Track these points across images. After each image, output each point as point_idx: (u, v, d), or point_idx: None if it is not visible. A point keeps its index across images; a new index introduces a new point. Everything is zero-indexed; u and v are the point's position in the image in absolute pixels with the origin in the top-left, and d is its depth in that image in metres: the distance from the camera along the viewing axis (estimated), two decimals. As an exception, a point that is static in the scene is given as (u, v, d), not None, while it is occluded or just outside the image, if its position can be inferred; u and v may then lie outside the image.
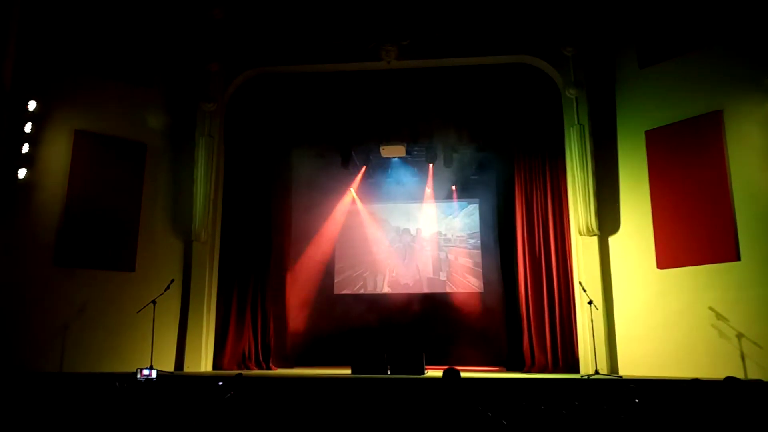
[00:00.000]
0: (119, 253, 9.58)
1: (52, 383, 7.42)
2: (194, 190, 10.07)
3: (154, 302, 8.90)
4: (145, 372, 7.49)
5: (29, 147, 8.95)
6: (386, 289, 12.54)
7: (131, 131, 9.96)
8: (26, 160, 8.91)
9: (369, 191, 12.66)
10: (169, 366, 9.57)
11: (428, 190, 12.42)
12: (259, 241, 10.89)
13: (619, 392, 5.86)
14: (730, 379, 4.43)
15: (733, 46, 8.57)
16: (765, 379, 7.14)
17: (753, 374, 7.71)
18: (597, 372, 8.62)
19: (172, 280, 9.42)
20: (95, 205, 9.45)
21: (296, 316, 11.77)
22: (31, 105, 8.97)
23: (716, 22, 8.75)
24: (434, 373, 8.96)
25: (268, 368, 10.42)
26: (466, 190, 12.53)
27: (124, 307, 9.27)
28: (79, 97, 9.57)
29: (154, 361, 8.66)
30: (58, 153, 9.30)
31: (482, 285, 12.18)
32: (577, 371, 9.30)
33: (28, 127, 8.93)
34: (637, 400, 4.47)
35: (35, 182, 9.04)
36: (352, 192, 12.72)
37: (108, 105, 9.80)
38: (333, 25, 10.34)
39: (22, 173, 8.83)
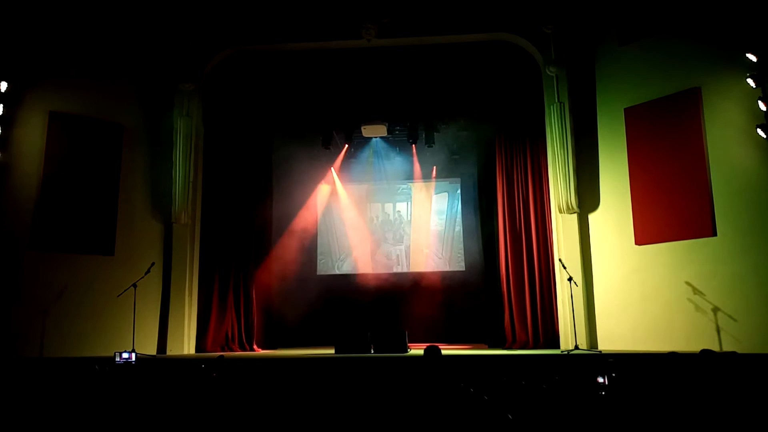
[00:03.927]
0: (97, 237, 9.46)
1: (31, 368, 7.38)
2: (173, 171, 9.95)
3: (134, 286, 8.84)
4: (125, 355, 7.44)
5: (2, 129, 8.75)
6: (369, 269, 12.55)
7: (107, 112, 9.78)
8: (-1, 143, 8.74)
9: (351, 171, 12.62)
10: (151, 349, 9.52)
11: (410, 169, 12.40)
12: (241, 222, 10.82)
13: (599, 366, 5.96)
14: (705, 352, 4.52)
15: (712, 24, 8.60)
16: (739, 351, 7.30)
17: (728, 346, 7.90)
18: (576, 347, 8.75)
19: (153, 263, 9.34)
20: (72, 188, 9.29)
21: (279, 297, 11.76)
22: (3, 86, 8.75)
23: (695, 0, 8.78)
24: (417, 351, 9.03)
25: (252, 350, 10.43)
26: (447, 169, 12.54)
27: (105, 291, 9.19)
28: (52, 78, 9.36)
29: (136, 345, 8.61)
30: (33, 135, 9.11)
31: (464, 263, 12.26)
32: (557, 347, 9.44)
33: (0, 109, 8.72)
34: (614, 375, 4.55)
35: (9, 165, 8.86)
36: (333, 172, 12.66)
37: (83, 86, 9.60)
38: (313, 1, 10.17)
39: (-5, 156, 8.66)
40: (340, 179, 12.69)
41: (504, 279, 10.32)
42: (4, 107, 8.77)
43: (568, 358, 8.00)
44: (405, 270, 12.49)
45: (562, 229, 9.68)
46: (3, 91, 8.75)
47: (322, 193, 12.80)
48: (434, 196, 12.78)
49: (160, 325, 9.78)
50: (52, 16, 9.32)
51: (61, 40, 9.41)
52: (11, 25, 8.95)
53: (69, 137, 9.38)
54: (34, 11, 9.16)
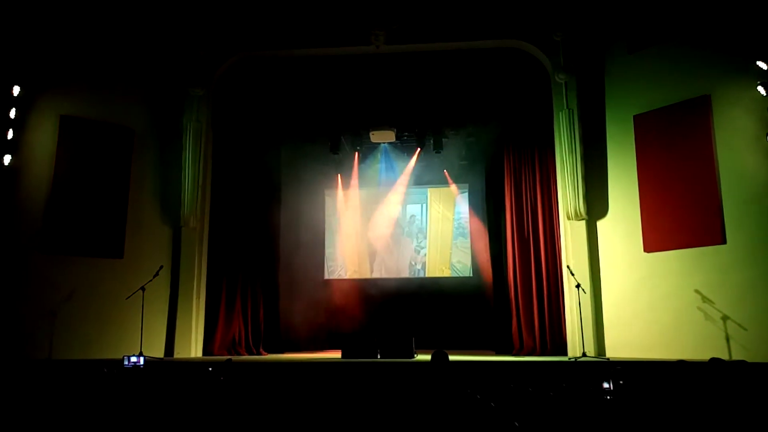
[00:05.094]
0: (107, 240, 9.51)
1: (40, 370, 7.43)
2: (183, 175, 9.99)
3: (143, 289, 8.87)
4: (133, 359, 7.46)
5: (14, 133, 8.84)
6: (376, 274, 12.55)
7: (118, 116, 9.85)
8: (11, 146, 8.80)
9: (358, 176, 12.62)
10: (159, 352, 9.56)
11: (417, 175, 12.40)
12: (249, 226, 10.86)
13: (606, 374, 5.94)
14: (714, 360, 4.50)
15: (722, 31, 8.57)
16: (748, 360, 7.25)
17: (737, 355, 7.84)
18: (584, 354, 8.71)
19: (161, 267, 9.38)
20: (82, 191, 9.36)
21: (286, 301, 11.76)
22: (16, 90, 8.84)
23: (705, 7, 8.75)
24: (424, 356, 9.01)
25: (259, 354, 10.43)
26: (455, 175, 12.53)
27: (113, 294, 9.22)
28: (64, 82, 9.44)
29: (144, 348, 8.63)
30: (44, 138, 9.19)
31: (471, 269, 12.24)
32: (565, 354, 9.39)
33: (12, 113, 8.82)
34: (621, 382, 4.53)
35: (20, 168, 8.93)
36: (341, 177, 12.69)
37: (94, 90, 9.68)
38: (322, 8, 10.24)
39: (7, 159, 8.73)
40: (348, 184, 12.71)
41: (512, 285, 10.29)
42: (16, 111, 8.86)
43: (576, 365, 7.97)
44: (412, 275, 12.48)
45: (571, 236, 9.65)
46: (15, 95, 8.84)
47: (330, 197, 12.83)
48: (442, 202, 12.77)
49: (168, 328, 9.83)
50: (63, 21, 9.40)
51: (73, 45, 9.49)
52: (23, 29, 9.04)
53: (80, 141, 9.45)
54: (46, 16, 9.25)
